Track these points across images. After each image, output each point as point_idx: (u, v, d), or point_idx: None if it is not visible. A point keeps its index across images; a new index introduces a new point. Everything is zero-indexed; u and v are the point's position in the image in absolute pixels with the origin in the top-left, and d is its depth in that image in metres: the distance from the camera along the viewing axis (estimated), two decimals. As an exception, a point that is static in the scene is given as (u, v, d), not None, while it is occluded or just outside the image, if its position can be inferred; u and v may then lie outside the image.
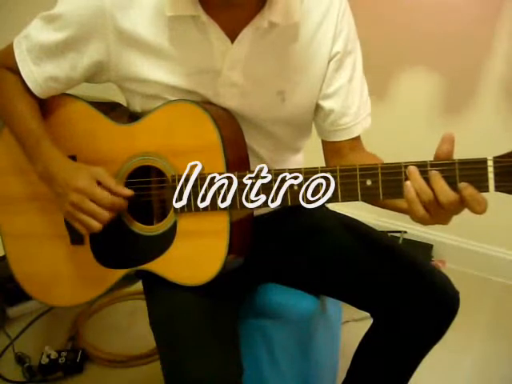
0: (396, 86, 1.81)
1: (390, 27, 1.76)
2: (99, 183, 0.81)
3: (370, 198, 0.71)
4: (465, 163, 0.65)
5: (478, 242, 1.85)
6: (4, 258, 0.97)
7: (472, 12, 1.62)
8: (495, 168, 0.63)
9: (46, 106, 0.90)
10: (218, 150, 0.78)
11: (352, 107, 0.89)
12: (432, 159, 0.67)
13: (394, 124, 1.81)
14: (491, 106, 1.68)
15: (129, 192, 0.82)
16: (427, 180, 0.66)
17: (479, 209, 0.65)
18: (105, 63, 0.84)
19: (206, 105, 0.82)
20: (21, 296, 1.52)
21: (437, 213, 0.67)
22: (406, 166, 0.68)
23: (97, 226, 0.80)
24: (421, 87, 1.78)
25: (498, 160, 0.63)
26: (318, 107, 0.90)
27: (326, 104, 0.89)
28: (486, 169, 0.64)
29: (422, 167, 0.67)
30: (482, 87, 1.68)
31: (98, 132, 0.88)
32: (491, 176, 0.64)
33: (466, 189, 0.64)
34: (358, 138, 0.92)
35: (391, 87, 1.82)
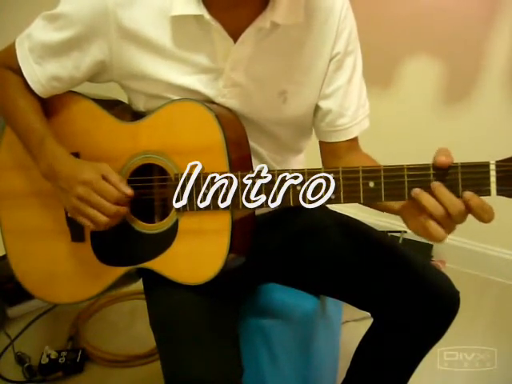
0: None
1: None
2: (104, 178, 0.80)
3: (372, 199, 0.71)
4: (467, 167, 0.65)
5: (478, 241, 1.85)
6: (4, 257, 0.97)
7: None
8: (497, 172, 0.64)
9: (50, 104, 0.90)
10: (222, 150, 0.78)
11: (350, 108, 0.89)
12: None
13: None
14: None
15: (129, 191, 0.82)
16: (430, 192, 0.66)
17: (486, 217, 0.65)
18: (107, 62, 0.84)
19: (210, 104, 0.82)
20: (21, 296, 1.53)
21: (448, 225, 0.67)
22: (408, 169, 0.68)
23: (104, 219, 0.80)
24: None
25: (500, 164, 0.64)
26: (316, 107, 0.90)
27: (324, 104, 0.89)
28: (488, 173, 0.64)
29: (425, 170, 0.67)
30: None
31: (101, 129, 0.88)
32: (493, 180, 0.64)
33: (472, 199, 0.64)
34: (355, 139, 0.92)
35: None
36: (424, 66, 1.75)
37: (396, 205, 0.75)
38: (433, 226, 0.67)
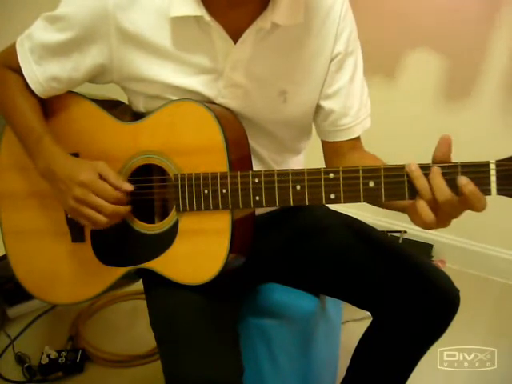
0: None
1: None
2: (101, 177, 0.80)
3: (373, 199, 0.71)
4: (467, 166, 0.65)
5: (478, 242, 1.85)
6: (4, 257, 0.97)
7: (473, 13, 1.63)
8: (497, 171, 0.63)
9: (50, 104, 0.90)
10: (222, 150, 0.78)
11: (352, 108, 0.89)
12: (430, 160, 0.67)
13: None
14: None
15: (128, 187, 0.82)
16: (427, 176, 0.66)
17: (479, 206, 0.64)
18: (107, 65, 0.84)
19: (210, 104, 0.82)
20: (21, 296, 1.53)
21: (437, 213, 0.67)
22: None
23: (102, 219, 0.80)
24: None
25: (500, 163, 0.63)
26: (318, 107, 0.91)
27: (327, 104, 0.89)
28: (488, 172, 0.64)
29: (425, 169, 0.66)
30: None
31: (101, 130, 0.88)
32: (493, 179, 0.64)
33: (467, 186, 0.64)
34: (357, 138, 0.93)
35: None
36: (425, 60, 1.75)
37: (402, 201, 0.75)
38: (422, 205, 0.66)
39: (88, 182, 0.79)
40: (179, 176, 0.80)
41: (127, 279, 0.93)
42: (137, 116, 0.89)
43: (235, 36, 0.80)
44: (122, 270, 0.88)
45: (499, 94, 1.67)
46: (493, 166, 0.63)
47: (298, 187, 0.73)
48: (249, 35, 0.80)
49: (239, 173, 0.76)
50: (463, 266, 1.84)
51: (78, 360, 1.40)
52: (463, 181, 0.64)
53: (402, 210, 0.74)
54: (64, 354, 1.40)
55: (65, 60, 0.85)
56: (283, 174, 0.74)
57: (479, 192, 0.64)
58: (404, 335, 0.91)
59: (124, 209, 0.82)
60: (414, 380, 0.99)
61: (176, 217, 0.83)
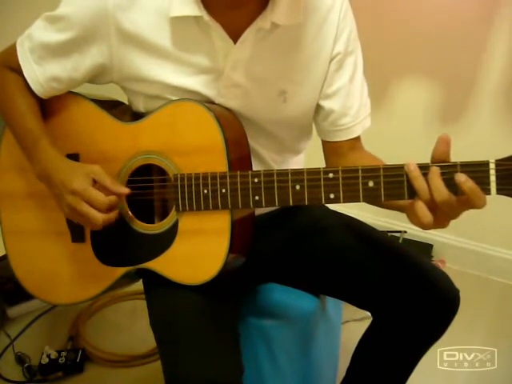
0: (394, 91, 1.83)
1: (388, 33, 1.78)
2: (96, 183, 0.80)
3: (372, 199, 0.71)
4: (467, 165, 0.65)
5: (478, 241, 1.85)
6: (4, 257, 0.97)
7: (470, 15, 1.64)
8: (497, 171, 0.63)
9: (50, 104, 0.90)
10: (221, 150, 0.78)
11: (352, 108, 0.89)
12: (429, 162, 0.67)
13: (391, 129, 1.83)
14: (489, 112, 1.70)
15: (125, 190, 0.82)
16: (426, 176, 0.66)
17: (479, 203, 0.64)
18: (107, 65, 0.84)
19: (210, 104, 0.82)
20: (21, 296, 1.53)
21: (435, 213, 0.67)
22: None
23: (95, 226, 0.80)
24: (419, 93, 1.79)
25: (500, 163, 0.63)
26: (318, 107, 0.91)
27: (327, 104, 0.89)
28: (487, 171, 0.63)
29: (424, 169, 0.67)
30: (480, 94, 1.70)
31: (101, 130, 0.88)
32: (493, 179, 0.63)
33: (465, 183, 0.63)
34: (357, 138, 0.93)
35: (389, 93, 1.84)
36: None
37: (401, 201, 0.75)
38: (420, 206, 0.66)
39: (80, 190, 0.79)
40: (179, 176, 0.80)
41: (127, 279, 0.93)
42: (137, 116, 0.89)
43: (235, 36, 0.80)
44: (121, 270, 0.88)
45: (500, 95, 1.67)
46: (492, 166, 0.63)
47: (298, 187, 0.73)
48: (248, 35, 0.80)
49: (239, 173, 0.76)
50: (463, 266, 1.85)
51: (77, 360, 1.40)
52: (461, 178, 0.64)
53: (401, 209, 0.74)
54: (64, 353, 1.41)
55: (65, 60, 0.85)
56: (283, 173, 0.74)
57: (479, 189, 0.64)
58: (404, 335, 0.91)
59: (114, 215, 0.81)
60: (414, 380, 0.99)
61: (176, 217, 0.83)
